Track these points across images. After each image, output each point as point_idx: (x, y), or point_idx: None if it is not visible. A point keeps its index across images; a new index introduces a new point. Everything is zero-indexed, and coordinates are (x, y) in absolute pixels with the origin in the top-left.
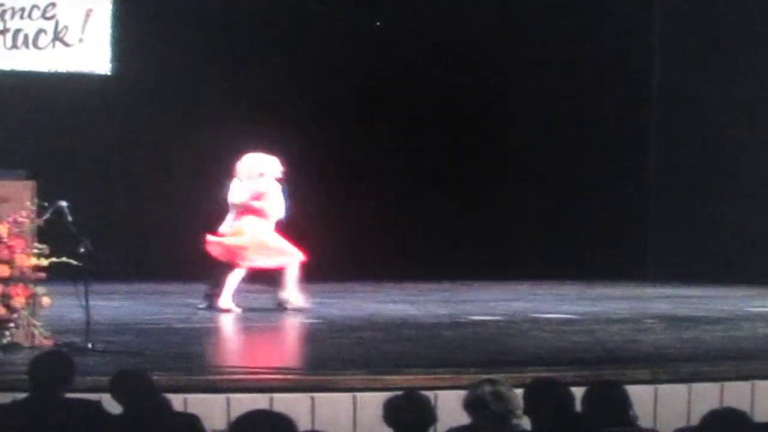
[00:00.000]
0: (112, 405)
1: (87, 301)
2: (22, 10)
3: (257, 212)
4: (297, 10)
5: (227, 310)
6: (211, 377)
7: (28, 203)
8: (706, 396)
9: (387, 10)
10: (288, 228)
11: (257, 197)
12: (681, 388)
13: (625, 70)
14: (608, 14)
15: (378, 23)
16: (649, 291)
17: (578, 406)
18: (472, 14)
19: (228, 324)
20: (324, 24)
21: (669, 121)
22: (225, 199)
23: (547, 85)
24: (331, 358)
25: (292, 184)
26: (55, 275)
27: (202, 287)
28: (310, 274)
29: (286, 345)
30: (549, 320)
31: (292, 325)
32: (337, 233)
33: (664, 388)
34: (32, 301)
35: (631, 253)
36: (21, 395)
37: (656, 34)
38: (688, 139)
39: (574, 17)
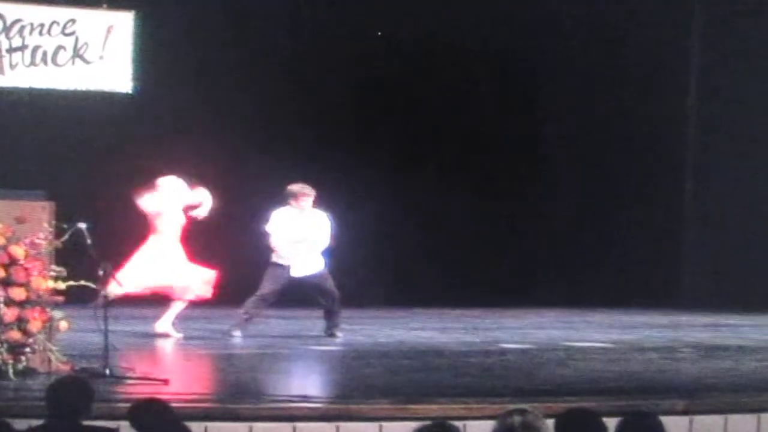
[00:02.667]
0: None
1: (106, 325)
2: (41, 26)
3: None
4: (319, 28)
5: (165, 335)
6: (233, 405)
7: (45, 224)
8: (744, 428)
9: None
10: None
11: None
12: (717, 420)
13: (661, 96)
14: (642, 39)
15: (379, 33)
16: (685, 319)
17: None
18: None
19: (251, 350)
20: (352, 39)
21: (705, 148)
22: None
23: (581, 111)
24: (358, 386)
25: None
26: (73, 299)
27: (236, 313)
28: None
29: (311, 372)
30: (581, 348)
31: (318, 353)
32: (366, 260)
33: (700, 420)
34: (49, 325)
35: (666, 280)
36: (37, 422)
37: (694, 68)
38: (723, 166)
39: (605, 43)
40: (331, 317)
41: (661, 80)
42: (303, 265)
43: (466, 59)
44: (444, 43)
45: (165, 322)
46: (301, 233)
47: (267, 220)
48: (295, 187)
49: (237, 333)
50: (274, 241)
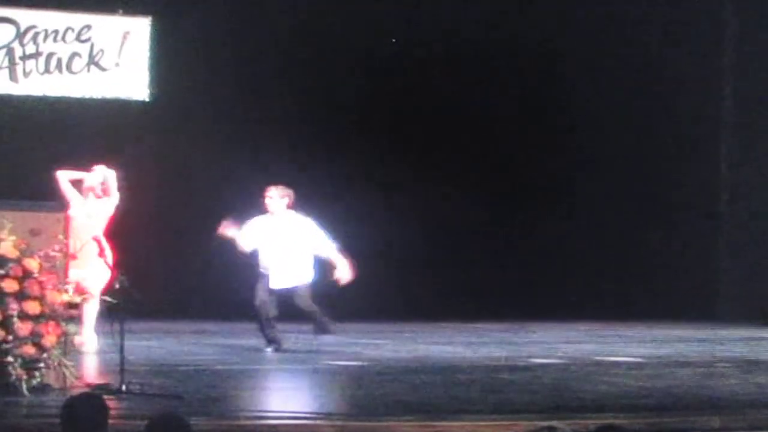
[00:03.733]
0: None
1: (122, 340)
2: (56, 32)
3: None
4: (337, 36)
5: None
6: (253, 422)
7: (60, 236)
8: None
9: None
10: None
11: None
12: None
13: (697, 109)
14: (673, 55)
15: (393, 40)
16: (722, 332)
17: None
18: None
19: (269, 365)
20: (365, 47)
21: (740, 160)
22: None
23: (615, 123)
24: (381, 402)
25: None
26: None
27: (264, 330)
28: (361, 313)
29: (334, 388)
30: (614, 363)
31: (340, 368)
32: (389, 271)
33: None
34: (64, 340)
35: (702, 293)
36: None
37: (726, 78)
38: (759, 178)
39: (635, 58)
40: (317, 328)
41: (694, 92)
42: (281, 276)
43: (483, 66)
44: (462, 50)
45: (88, 334)
46: (277, 241)
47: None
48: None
49: (269, 348)
50: (247, 249)
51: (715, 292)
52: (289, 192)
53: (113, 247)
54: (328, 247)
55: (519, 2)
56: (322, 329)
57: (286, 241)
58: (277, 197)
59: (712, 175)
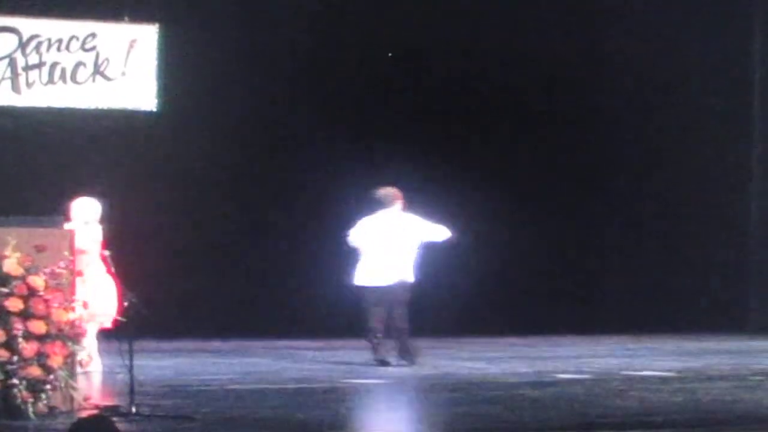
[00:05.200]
0: None
1: (131, 360)
2: (60, 41)
3: (104, 261)
4: (346, 38)
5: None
6: None
7: (66, 253)
8: None
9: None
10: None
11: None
12: None
13: (724, 115)
14: (704, 59)
15: (390, 54)
16: (754, 344)
17: None
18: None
19: (287, 385)
20: (381, 52)
21: None
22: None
23: (647, 135)
24: (403, 421)
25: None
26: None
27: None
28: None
29: (352, 407)
30: (642, 378)
31: (357, 386)
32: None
33: None
34: (71, 360)
35: (732, 304)
36: None
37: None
38: None
39: (667, 64)
40: (399, 342)
41: (724, 96)
42: (388, 273)
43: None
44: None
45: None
46: (384, 239)
47: (351, 229)
48: (384, 192)
49: (390, 360)
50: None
51: (745, 302)
52: (399, 193)
53: (119, 265)
54: (437, 228)
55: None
56: (406, 353)
57: (394, 239)
58: (391, 197)
59: (741, 186)
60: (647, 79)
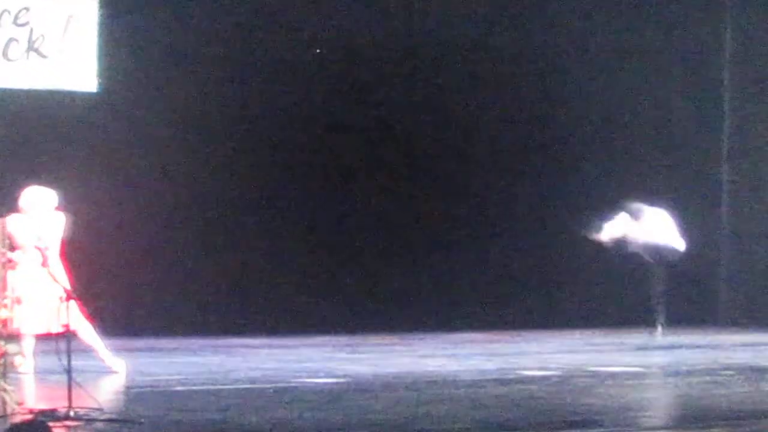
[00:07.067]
0: None
1: (69, 360)
2: None
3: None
4: (301, 17)
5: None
6: None
7: None
8: None
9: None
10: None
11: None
12: None
13: (699, 122)
14: (683, 69)
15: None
16: (725, 338)
17: None
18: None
19: (239, 385)
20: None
21: (740, 164)
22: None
23: (614, 134)
24: (361, 422)
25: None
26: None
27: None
28: (337, 325)
29: (308, 409)
30: (611, 373)
31: (315, 386)
32: (366, 278)
33: None
34: (3, 361)
35: (701, 297)
36: None
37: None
38: (759, 182)
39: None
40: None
41: (694, 96)
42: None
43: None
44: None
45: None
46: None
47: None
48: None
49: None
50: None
51: (715, 296)
52: None
53: (66, 259)
54: None
55: None
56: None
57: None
58: None
59: (712, 179)
60: (615, 79)
